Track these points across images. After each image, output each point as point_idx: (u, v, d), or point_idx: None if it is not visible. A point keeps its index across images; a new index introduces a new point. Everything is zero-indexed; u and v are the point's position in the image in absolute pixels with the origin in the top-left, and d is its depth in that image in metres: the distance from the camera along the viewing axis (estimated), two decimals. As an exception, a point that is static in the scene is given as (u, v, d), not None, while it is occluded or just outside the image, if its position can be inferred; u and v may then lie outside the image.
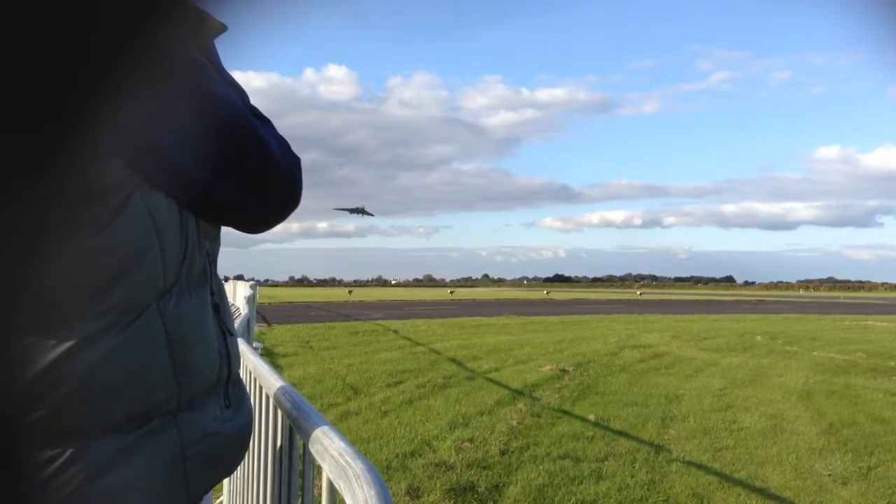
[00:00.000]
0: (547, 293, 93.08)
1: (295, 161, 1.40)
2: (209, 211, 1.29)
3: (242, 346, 3.56)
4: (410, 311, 37.85)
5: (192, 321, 1.25)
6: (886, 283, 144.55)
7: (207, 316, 1.31)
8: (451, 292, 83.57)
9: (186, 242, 1.23)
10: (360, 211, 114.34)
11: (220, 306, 1.40)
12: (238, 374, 1.48)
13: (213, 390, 1.33)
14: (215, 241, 1.40)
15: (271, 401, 2.15)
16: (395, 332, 22.49)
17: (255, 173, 1.29)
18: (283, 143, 1.38)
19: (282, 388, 2.04)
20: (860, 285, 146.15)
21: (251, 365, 2.72)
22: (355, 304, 49.41)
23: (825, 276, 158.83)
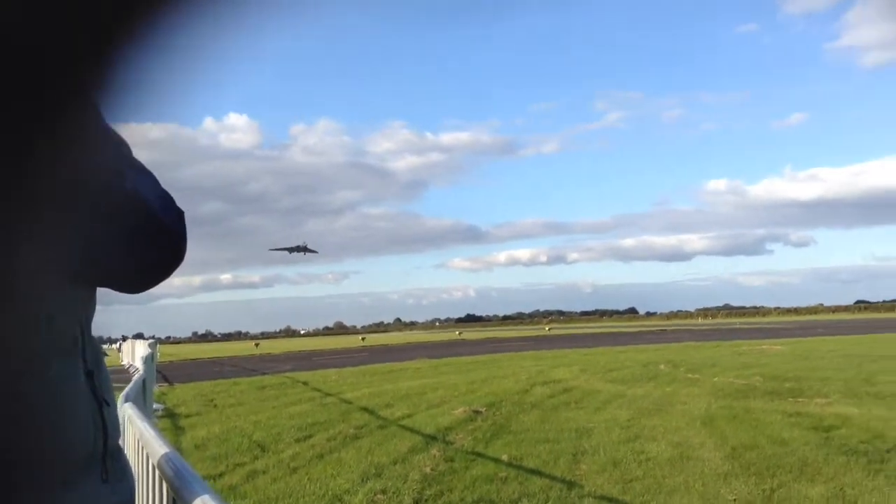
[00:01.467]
0: (459, 334, 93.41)
1: (176, 216, 1.33)
2: (83, 276, 1.21)
3: (132, 410, 3.38)
4: (321, 361, 37.20)
5: (59, 392, 1.16)
6: (779, 308, 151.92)
7: (77, 386, 1.23)
8: (363, 339, 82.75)
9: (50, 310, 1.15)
10: (302, 249, 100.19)
11: (94, 374, 1.31)
12: (117, 446, 1.39)
13: (87, 465, 1.24)
14: (89, 303, 1.31)
15: (156, 470, 2.04)
16: (305, 383, 22.01)
17: (133, 235, 1.22)
18: (164, 198, 1.30)
19: (165, 455, 1.94)
20: (755, 311, 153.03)
21: (138, 431, 2.59)
22: (262, 358, 48.20)
23: (721, 304, 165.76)
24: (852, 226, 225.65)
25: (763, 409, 12.71)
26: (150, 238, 1.26)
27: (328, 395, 18.02)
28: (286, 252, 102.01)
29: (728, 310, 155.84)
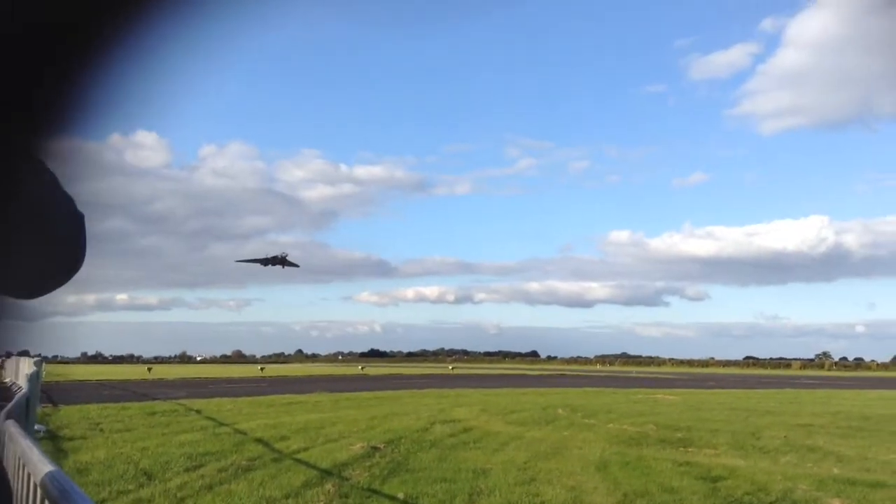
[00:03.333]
0: (362, 368, 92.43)
1: (75, 219, 1.25)
2: None
3: (14, 428, 3.20)
4: (216, 389, 36.04)
5: None
6: (673, 359, 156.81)
7: None
8: (262, 369, 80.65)
9: None
10: (280, 261, 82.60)
11: None
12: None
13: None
14: None
15: (38, 490, 1.93)
16: (198, 412, 21.27)
17: (30, 234, 1.16)
18: (62, 199, 1.23)
19: (50, 473, 1.84)
20: (650, 360, 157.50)
21: (19, 450, 2.45)
22: (155, 383, 46.34)
23: (619, 352, 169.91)
24: (745, 284, 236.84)
25: (655, 457, 13.05)
26: (48, 237, 1.20)
27: (222, 424, 17.46)
28: (259, 265, 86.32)
29: (625, 358, 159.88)
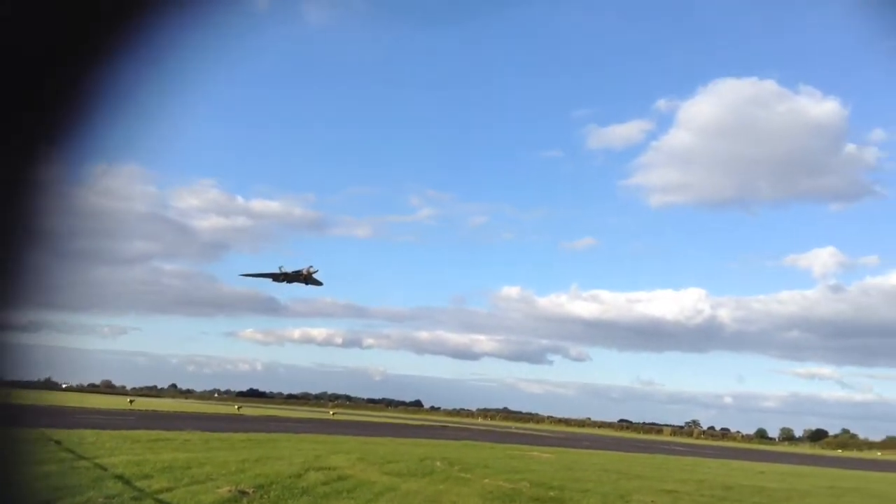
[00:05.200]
0: (238, 408, 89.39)
1: None
2: None
3: None
4: (80, 420, 33.98)
5: None
6: (552, 417, 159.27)
7: None
8: (131, 401, 76.84)
9: None
10: (302, 278, 69.68)
11: None
12: None
13: None
14: None
15: None
16: (58, 442, 19.96)
17: None
18: None
19: None
20: (530, 417, 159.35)
21: None
22: (13, 408, 43.20)
23: (501, 406, 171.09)
24: (624, 348, 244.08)
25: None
26: None
27: (82, 458, 16.44)
28: (269, 279, 71.85)
29: (506, 413, 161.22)
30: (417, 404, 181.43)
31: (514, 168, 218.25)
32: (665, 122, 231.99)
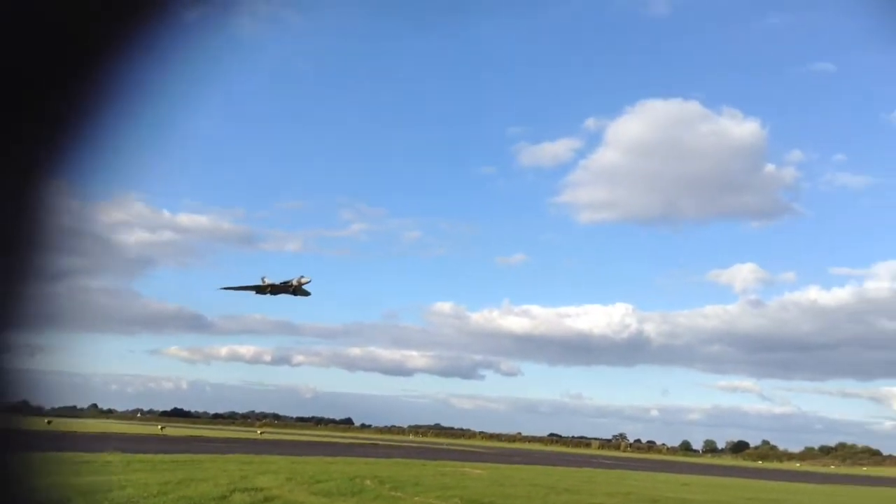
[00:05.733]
0: (161, 428, 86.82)
1: None
2: None
3: None
4: (-9, 443, 32.36)
5: None
6: (483, 432, 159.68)
7: None
8: (49, 422, 73.71)
9: None
10: (290, 288, 65.69)
11: None
12: None
13: None
14: None
15: None
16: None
17: None
18: None
19: None
20: (462, 433, 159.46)
21: None
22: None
23: (433, 423, 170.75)
24: (555, 363, 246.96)
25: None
26: None
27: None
28: (251, 293, 68.40)
29: (438, 429, 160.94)
30: (348, 422, 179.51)
31: (448, 184, 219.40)
32: (594, 141, 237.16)
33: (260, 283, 67.92)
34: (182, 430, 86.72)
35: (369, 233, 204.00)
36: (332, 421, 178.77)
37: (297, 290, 66.26)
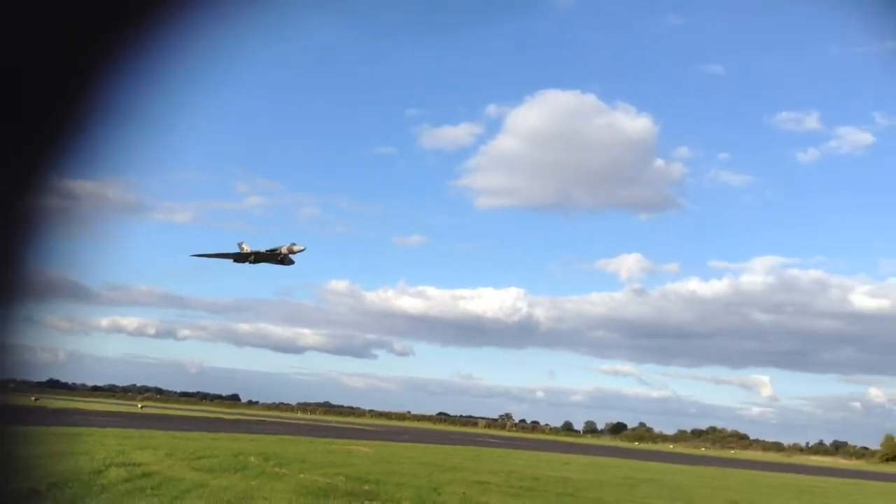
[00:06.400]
0: (35, 399, 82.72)
1: None
2: None
3: None
4: None
5: None
6: (373, 411, 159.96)
7: None
8: None
9: None
10: (279, 256, 60.30)
11: None
12: None
13: None
14: None
15: None
16: None
17: None
18: None
19: None
20: (351, 411, 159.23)
21: None
22: None
23: (322, 401, 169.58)
24: (447, 344, 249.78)
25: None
26: None
27: None
28: (228, 260, 61.22)
29: (327, 407, 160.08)
30: (235, 398, 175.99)
31: (348, 162, 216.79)
32: (494, 127, 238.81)
33: (239, 250, 62.21)
34: (58, 403, 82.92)
35: (265, 207, 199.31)
36: (219, 397, 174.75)
37: (284, 258, 61.05)
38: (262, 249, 60.97)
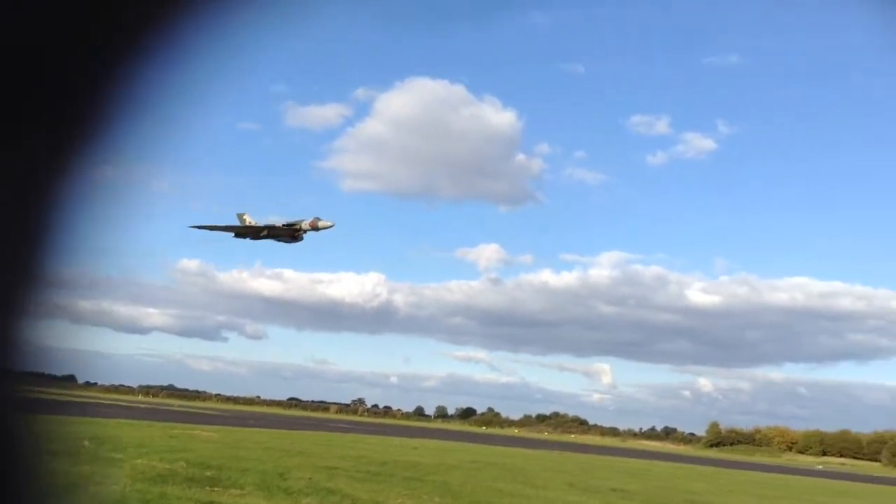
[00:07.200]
0: None
1: None
2: None
3: None
4: None
5: None
6: (220, 395, 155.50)
7: None
8: None
9: None
10: (296, 231, 53.74)
11: None
12: None
13: None
14: None
15: None
16: None
17: None
18: None
19: None
20: (197, 395, 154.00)
21: None
22: None
23: (167, 383, 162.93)
24: (303, 328, 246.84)
25: (178, 496, 12.58)
26: None
27: None
28: (228, 234, 53.09)
29: (172, 390, 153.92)
30: (70, 378, 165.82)
31: (208, 136, 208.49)
32: (362, 110, 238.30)
33: (239, 222, 54.59)
34: None
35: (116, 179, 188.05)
36: (52, 377, 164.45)
37: (297, 234, 53.84)
38: (279, 223, 54.32)
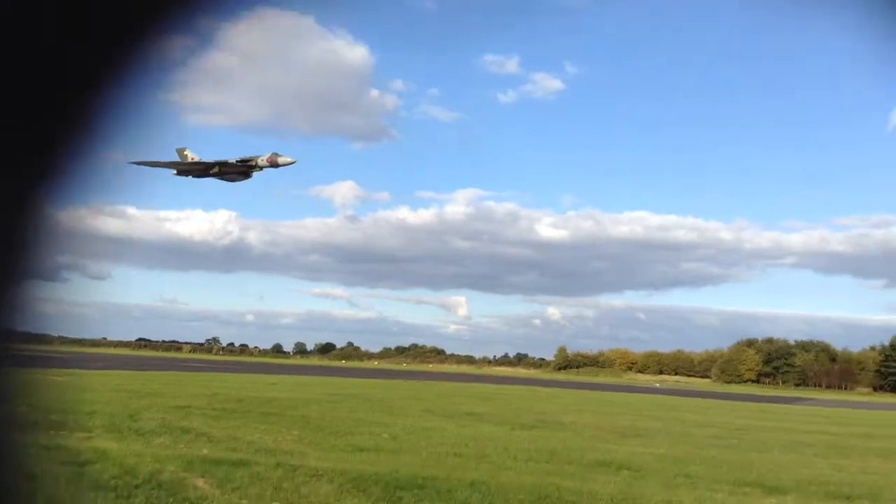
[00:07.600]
0: None
1: None
2: None
3: None
4: None
5: None
6: (63, 337, 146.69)
7: None
8: None
9: None
10: (251, 167, 49.36)
11: None
12: None
13: None
14: None
15: None
16: None
17: None
18: None
19: None
20: (39, 338, 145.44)
21: None
22: None
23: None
24: (151, 267, 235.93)
25: (21, 442, 12.05)
26: None
27: None
28: (170, 170, 47.40)
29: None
30: None
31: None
32: (206, 41, 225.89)
33: (179, 158, 49.51)
34: None
35: None
36: None
37: (248, 171, 50.15)
38: (232, 160, 50.19)
